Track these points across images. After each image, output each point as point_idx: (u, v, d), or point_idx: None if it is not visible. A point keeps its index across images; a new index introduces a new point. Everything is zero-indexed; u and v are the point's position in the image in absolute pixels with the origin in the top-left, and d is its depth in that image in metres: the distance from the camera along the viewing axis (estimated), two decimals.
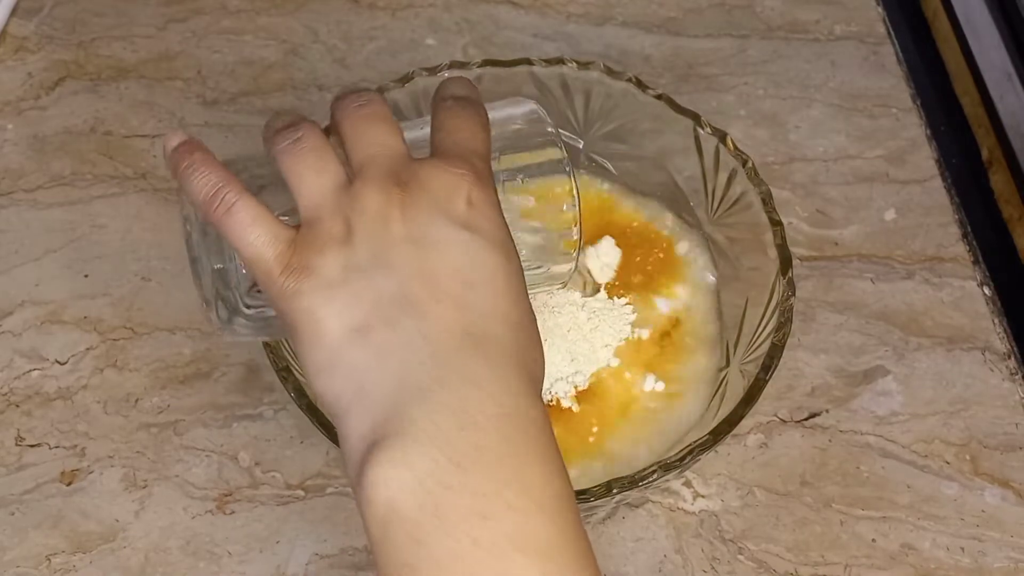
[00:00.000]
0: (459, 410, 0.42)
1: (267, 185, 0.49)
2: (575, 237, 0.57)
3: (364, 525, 0.42)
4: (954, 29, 0.86)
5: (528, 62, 0.68)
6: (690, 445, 0.56)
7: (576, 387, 0.63)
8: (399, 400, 0.42)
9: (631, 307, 0.66)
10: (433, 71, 0.67)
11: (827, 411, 0.66)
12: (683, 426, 0.62)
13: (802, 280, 0.70)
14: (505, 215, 0.47)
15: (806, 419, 0.66)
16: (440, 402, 0.42)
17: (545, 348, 0.47)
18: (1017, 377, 0.67)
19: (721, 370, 0.63)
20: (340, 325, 0.43)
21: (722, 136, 0.65)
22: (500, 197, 0.48)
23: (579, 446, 0.61)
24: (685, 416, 0.62)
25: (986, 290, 0.71)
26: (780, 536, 0.62)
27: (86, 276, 0.71)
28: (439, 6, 0.84)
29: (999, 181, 0.81)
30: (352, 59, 0.81)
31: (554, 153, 0.56)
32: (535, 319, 0.46)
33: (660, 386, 0.63)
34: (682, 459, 0.55)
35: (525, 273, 0.48)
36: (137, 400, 0.66)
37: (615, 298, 0.66)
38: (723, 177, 0.65)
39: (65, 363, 0.67)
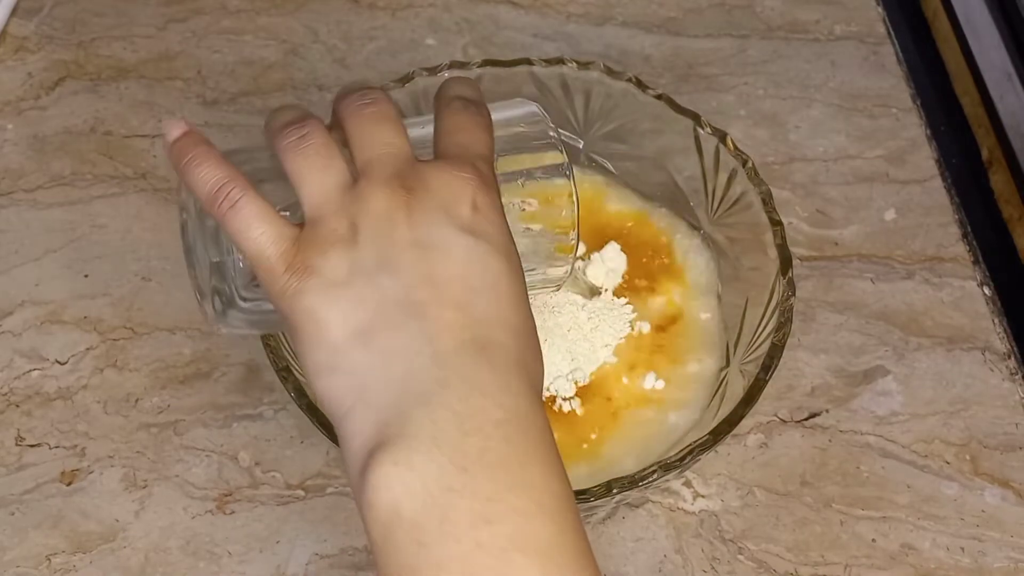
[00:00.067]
0: (462, 414, 0.42)
1: (267, 179, 0.48)
2: (572, 241, 0.57)
3: (365, 527, 0.42)
4: (954, 29, 0.86)
5: (528, 62, 0.68)
6: (690, 445, 0.56)
7: (576, 383, 0.63)
8: (402, 403, 0.42)
9: (631, 306, 0.65)
10: (433, 71, 0.67)
11: (827, 411, 0.66)
12: (683, 426, 0.62)
13: (802, 280, 0.70)
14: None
15: (806, 419, 0.66)
16: (443, 406, 0.42)
17: (545, 348, 0.47)
18: (1017, 377, 0.67)
19: (721, 370, 0.63)
20: (343, 327, 0.43)
21: (722, 136, 0.65)
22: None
23: (578, 445, 0.61)
24: (685, 416, 0.62)
25: (986, 290, 0.71)
26: (780, 536, 0.62)
27: (86, 276, 0.71)
28: (439, 6, 0.84)
29: (999, 181, 0.81)
30: (352, 59, 0.81)
31: (555, 156, 0.56)
32: (535, 325, 0.46)
33: (660, 385, 0.63)
34: (682, 459, 0.55)
35: None
36: (137, 400, 0.66)
37: (615, 298, 0.66)
38: (723, 177, 0.65)
39: (65, 363, 0.67)
